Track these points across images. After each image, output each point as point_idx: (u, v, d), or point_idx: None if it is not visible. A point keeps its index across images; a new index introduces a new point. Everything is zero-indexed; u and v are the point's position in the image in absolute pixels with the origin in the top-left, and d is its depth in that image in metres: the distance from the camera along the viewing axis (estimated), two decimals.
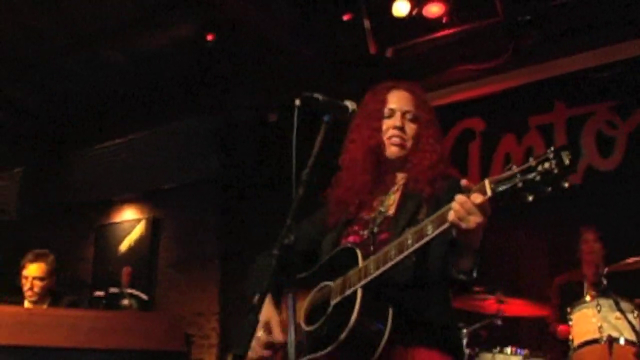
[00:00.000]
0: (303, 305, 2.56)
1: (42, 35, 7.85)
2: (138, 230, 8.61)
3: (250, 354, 2.46)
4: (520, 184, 1.98)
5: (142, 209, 8.82)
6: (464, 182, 2.15)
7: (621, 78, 6.12)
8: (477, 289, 5.08)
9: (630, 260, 4.69)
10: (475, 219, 2.09)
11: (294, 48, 7.33)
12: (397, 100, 2.72)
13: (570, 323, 4.72)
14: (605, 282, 4.57)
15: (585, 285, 5.49)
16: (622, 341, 4.41)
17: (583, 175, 6.19)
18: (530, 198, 1.98)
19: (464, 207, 2.09)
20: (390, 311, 2.31)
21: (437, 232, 2.16)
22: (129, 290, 7.43)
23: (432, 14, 6.36)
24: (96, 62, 8.28)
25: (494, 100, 6.71)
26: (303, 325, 2.49)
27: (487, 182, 2.08)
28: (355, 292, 2.31)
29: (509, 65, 6.53)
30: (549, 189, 1.95)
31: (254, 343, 2.44)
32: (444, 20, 6.42)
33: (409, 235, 2.23)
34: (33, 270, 5.16)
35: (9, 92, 8.96)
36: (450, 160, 6.59)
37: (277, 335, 2.50)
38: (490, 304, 5.14)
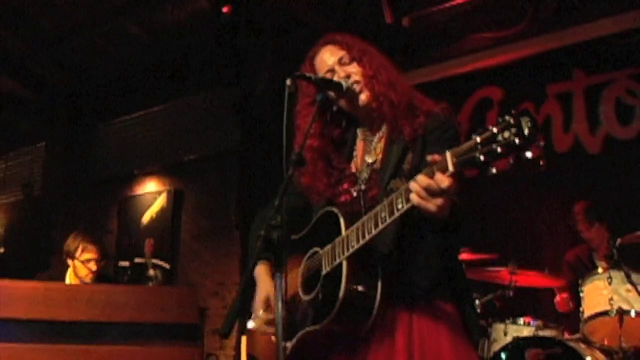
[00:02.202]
0: (298, 271, 2.55)
1: (63, 10, 7.93)
2: (160, 202, 8.68)
3: (256, 326, 2.50)
4: (482, 157, 1.82)
5: (163, 181, 8.87)
6: (429, 157, 1.98)
7: None
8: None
9: None
10: (438, 202, 1.96)
11: (311, 19, 7.30)
12: (327, 56, 2.60)
13: (581, 295, 4.70)
14: (616, 254, 4.51)
15: (596, 257, 5.45)
16: (632, 314, 4.37)
17: (602, 144, 6.12)
18: (494, 170, 1.82)
19: (427, 191, 1.96)
20: (380, 272, 2.28)
21: (407, 207, 2.04)
22: (154, 261, 7.53)
23: None
24: (117, 36, 8.35)
25: (512, 68, 6.58)
26: (301, 294, 2.49)
27: (449, 155, 1.91)
28: (341, 263, 2.28)
29: (526, 33, 6.38)
30: (511, 161, 1.80)
31: (257, 321, 2.47)
32: None
33: (383, 207, 2.14)
34: (93, 253, 5.27)
35: (31, 67, 9.07)
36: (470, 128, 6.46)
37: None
38: (503, 275, 5.12)
